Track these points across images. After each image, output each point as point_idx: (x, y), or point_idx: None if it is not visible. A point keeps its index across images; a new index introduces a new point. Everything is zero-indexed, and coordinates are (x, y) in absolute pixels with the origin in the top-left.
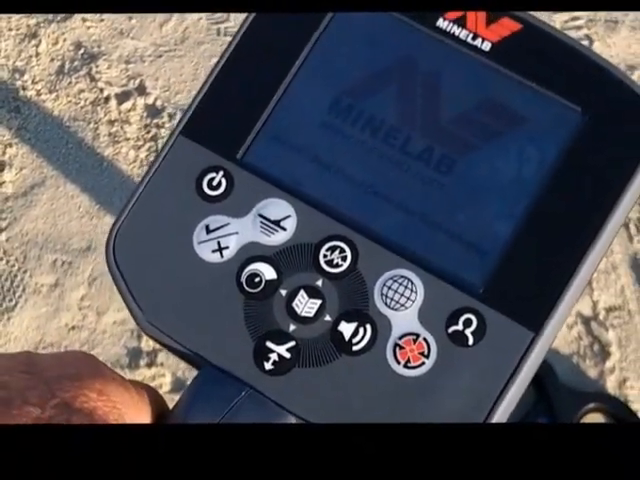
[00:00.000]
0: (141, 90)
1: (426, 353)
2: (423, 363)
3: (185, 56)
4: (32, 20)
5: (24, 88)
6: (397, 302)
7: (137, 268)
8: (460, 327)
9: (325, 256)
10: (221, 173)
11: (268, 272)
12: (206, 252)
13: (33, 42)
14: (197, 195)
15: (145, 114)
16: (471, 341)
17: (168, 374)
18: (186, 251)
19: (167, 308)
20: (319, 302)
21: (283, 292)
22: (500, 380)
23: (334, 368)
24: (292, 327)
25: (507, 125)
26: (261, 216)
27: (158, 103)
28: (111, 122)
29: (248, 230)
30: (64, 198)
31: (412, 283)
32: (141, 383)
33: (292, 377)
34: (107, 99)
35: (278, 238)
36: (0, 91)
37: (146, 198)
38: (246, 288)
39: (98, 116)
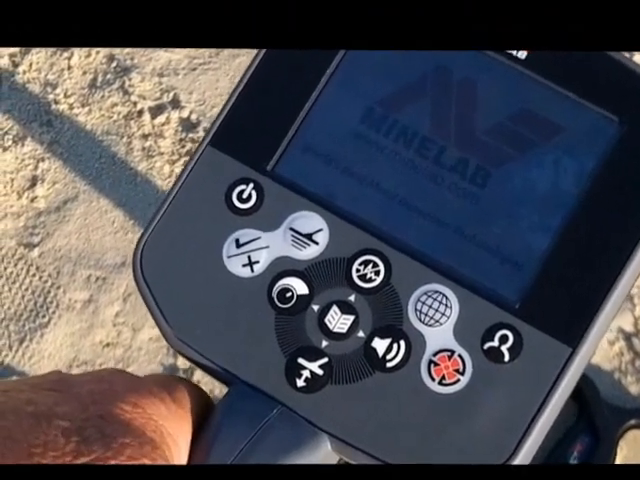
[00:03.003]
0: (175, 104)
1: (461, 370)
2: (458, 380)
3: (220, 69)
4: None
5: (56, 102)
6: (431, 318)
7: (165, 282)
8: (496, 343)
9: (358, 270)
10: (251, 185)
11: (300, 287)
12: (236, 266)
13: (65, 55)
14: (227, 208)
15: (180, 128)
16: (507, 357)
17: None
18: (216, 265)
19: (196, 324)
20: (352, 318)
21: (315, 307)
22: (537, 397)
23: (367, 385)
24: (324, 343)
25: (543, 136)
26: (292, 230)
27: (193, 117)
28: (145, 136)
29: (279, 244)
30: (97, 213)
31: (447, 298)
32: (181, 382)
33: (325, 394)
34: (140, 113)
35: (310, 252)
36: (32, 105)
37: (174, 211)
38: (277, 303)
39: (131, 130)
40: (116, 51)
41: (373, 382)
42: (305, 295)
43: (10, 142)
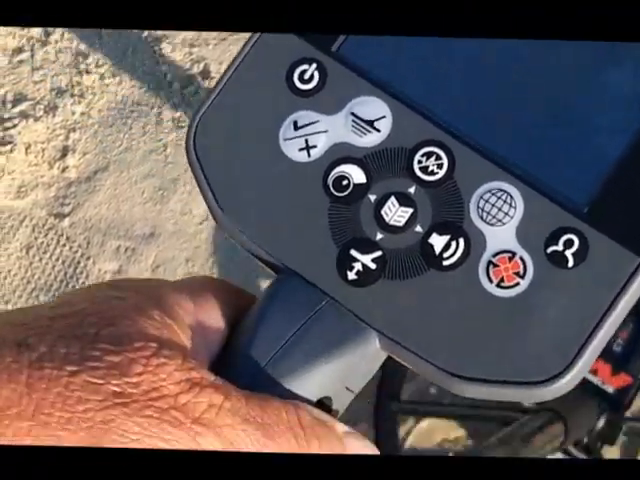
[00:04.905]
0: (205, 74)
1: (522, 273)
2: (518, 284)
3: None
4: None
5: (88, 72)
6: (494, 217)
7: (218, 163)
8: (560, 247)
9: (420, 162)
10: (314, 66)
11: (357, 175)
12: (292, 150)
13: None
14: (287, 88)
15: None
16: (571, 263)
17: None
18: (271, 147)
19: (248, 207)
20: (410, 211)
21: (372, 198)
22: (600, 307)
23: (421, 283)
24: (379, 236)
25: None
26: (354, 115)
27: None
28: (175, 106)
29: (339, 129)
30: (127, 184)
31: (512, 197)
32: (210, 285)
33: (376, 289)
34: (170, 83)
35: (370, 139)
36: (64, 75)
37: (232, 87)
38: (333, 191)
39: (162, 100)
40: None
41: (427, 280)
42: (362, 184)
43: (41, 112)
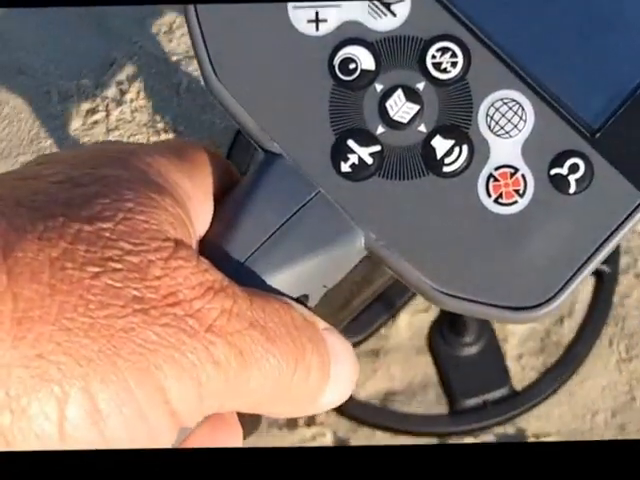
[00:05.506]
0: None
1: (521, 192)
2: (516, 202)
3: None
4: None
5: (165, 131)
6: (502, 128)
7: (216, 20)
8: (565, 171)
9: (434, 57)
10: None
11: (366, 60)
12: (300, 20)
13: (174, 81)
14: None
15: None
16: (573, 189)
17: (329, 433)
18: (278, 14)
19: (242, 73)
20: (416, 108)
21: (378, 87)
22: (596, 239)
23: (417, 186)
24: (380, 130)
25: None
26: None
27: None
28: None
29: (353, 6)
30: None
31: (523, 110)
32: (198, 147)
33: (368, 186)
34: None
35: (385, 24)
36: (140, 135)
37: None
38: (338, 73)
39: None
40: None
41: (424, 184)
42: (370, 71)
43: None
